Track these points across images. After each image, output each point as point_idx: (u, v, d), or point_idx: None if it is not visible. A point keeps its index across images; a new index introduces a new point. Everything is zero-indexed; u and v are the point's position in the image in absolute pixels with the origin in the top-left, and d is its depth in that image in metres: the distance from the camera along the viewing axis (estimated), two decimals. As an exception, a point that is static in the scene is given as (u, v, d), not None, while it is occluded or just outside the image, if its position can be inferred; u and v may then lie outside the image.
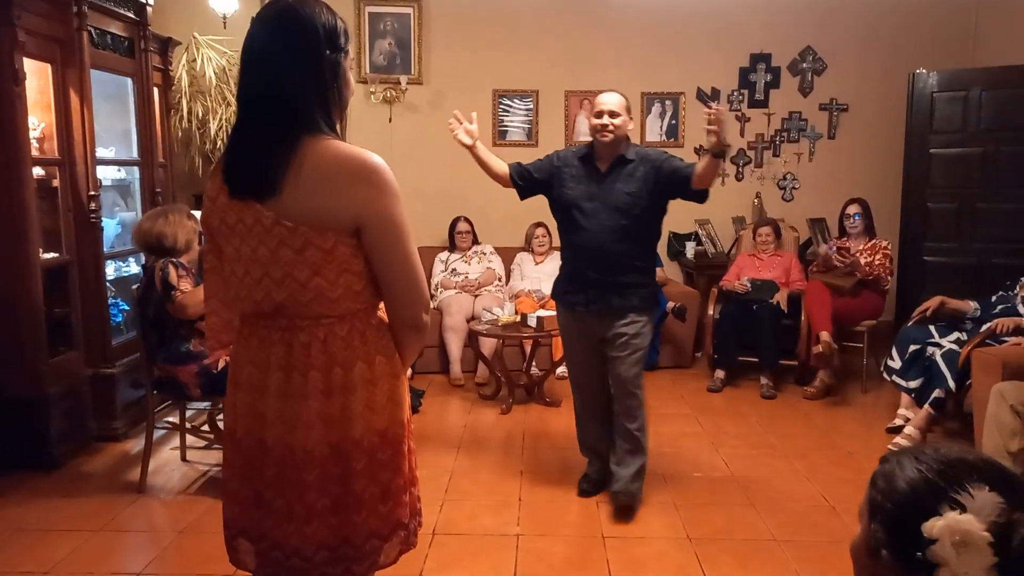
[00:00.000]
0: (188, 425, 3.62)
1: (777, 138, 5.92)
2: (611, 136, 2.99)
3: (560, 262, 5.55)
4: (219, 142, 5.11)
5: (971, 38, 5.75)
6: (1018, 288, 3.97)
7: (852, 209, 4.91)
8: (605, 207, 3.01)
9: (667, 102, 5.86)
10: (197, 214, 3.45)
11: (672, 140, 5.88)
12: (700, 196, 3.00)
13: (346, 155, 1.39)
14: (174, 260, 3.23)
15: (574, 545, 2.83)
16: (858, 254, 4.77)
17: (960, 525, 0.85)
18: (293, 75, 1.39)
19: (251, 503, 1.49)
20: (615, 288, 3.03)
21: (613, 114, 3.00)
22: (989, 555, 0.84)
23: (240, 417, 1.49)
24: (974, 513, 0.86)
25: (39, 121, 3.61)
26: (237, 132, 1.46)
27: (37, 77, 3.54)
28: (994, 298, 4.02)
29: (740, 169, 5.95)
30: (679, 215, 5.87)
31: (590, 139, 3.11)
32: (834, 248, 4.83)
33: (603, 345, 3.10)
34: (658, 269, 5.38)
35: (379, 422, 1.48)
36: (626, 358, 3.04)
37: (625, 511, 3.06)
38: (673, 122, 5.87)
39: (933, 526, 0.87)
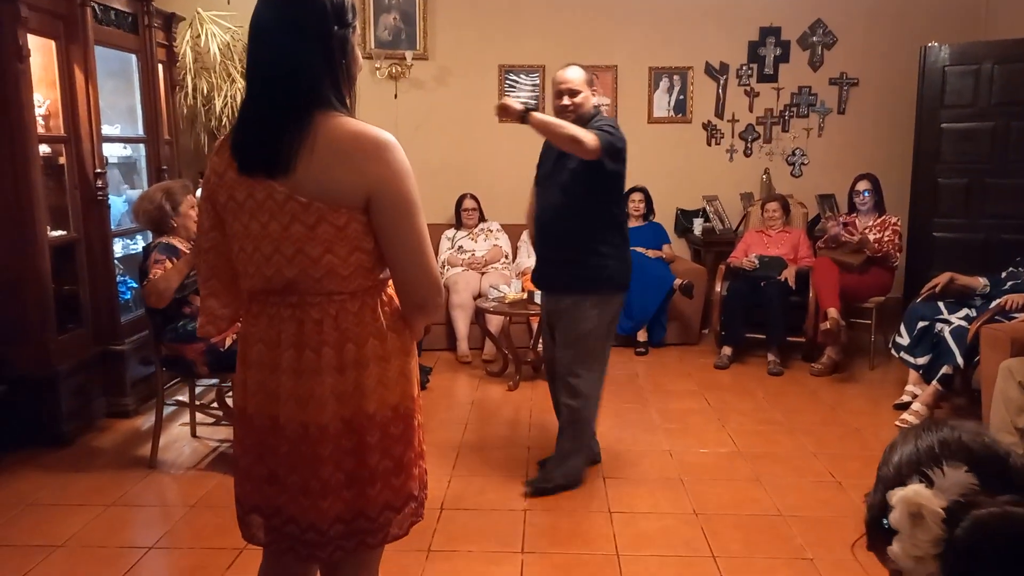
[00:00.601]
0: (197, 402, 3.65)
1: (786, 113, 5.86)
2: (572, 116, 2.90)
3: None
4: (224, 119, 5.09)
5: (983, 11, 5.67)
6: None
7: (862, 185, 4.87)
8: (553, 185, 2.96)
9: (675, 77, 5.80)
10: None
11: (680, 115, 5.83)
12: (591, 163, 2.81)
13: (359, 132, 1.39)
14: (163, 242, 3.23)
15: (581, 520, 2.85)
16: (867, 230, 4.75)
17: (916, 497, 0.86)
18: (303, 52, 1.39)
19: (264, 479, 1.51)
20: (556, 265, 3.01)
21: (573, 92, 2.91)
22: (939, 530, 0.84)
23: (251, 395, 1.50)
24: (939, 489, 0.86)
25: (44, 98, 3.60)
26: (247, 109, 1.45)
27: (41, 54, 3.52)
28: (1004, 274, 3.99)
29: (749, 145, 5.90)
30: (687, 191, 5.87)
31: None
32: (842, 224, 4.81)
33: (549, 331, 3.11)
34: (665, 246, 5.46)
35: (392, 397, 1.49)
36: (562, 338, 3.01)
37: (534, 492, 3.03)
38: (681, 97, 5.82)
39: (894, 494, 0.88)
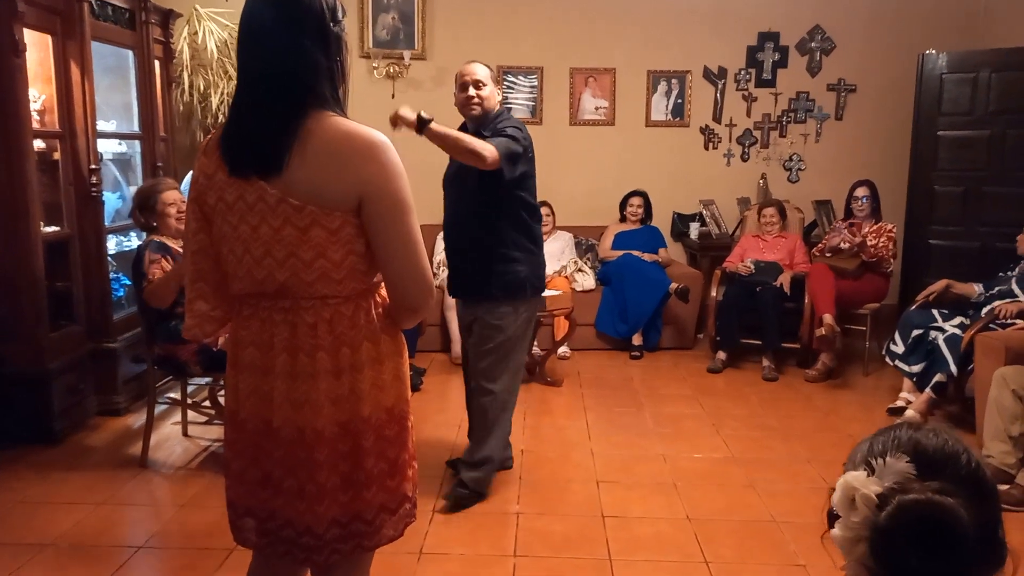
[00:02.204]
0: (189, 401, 3.63)
1: (784, 118, 5.86)
2: (479, 109, 2.83)
3: (560, 242, 5.55)
4: (220, 116, 5.07)
5: (981, 19, 5.68)
6: (1017, 269, 3.95)
7: (860, 192, 4.88)
8: (464, 186, 2.86)
9: (673, 80, 5.80)
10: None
11: (678, 119, 5.83)
12: (494, 173, 2.72)
13: (352, 132, 1.38)
14: (155, 240, 3.22)
15: (574, 524, 2.84)
16: (864, 237, 4.76)
17: (852, 481, 0.90)
18: (303, 49, 1.38)
19: (258, 483, 1.50)
20: (474, 274, 2.90)
21: (479, 84, 2.82)
22: (868, 513, 0.88)
23: (244, 398, 1.49)
24: (878, 476, 0.90)
25: (40, 93, 3.58)
26: (241, 107, 1.43)
27: (37, 49, 3.50)
28: (995, 280, 4.01)
29: (746, 149, 5.90)
30: (684, 195, 5.87)
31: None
32: (848, 225, 4.82)
33: (467, 333, 3.03)
34: (661, 250, 5.46)
35: (386, 400, 1.49)
36: (479, 347, 2.93)
37: (451, 507, 2.91)
38: (679, 101, 5.81)
39: (838, 481, 0.92)
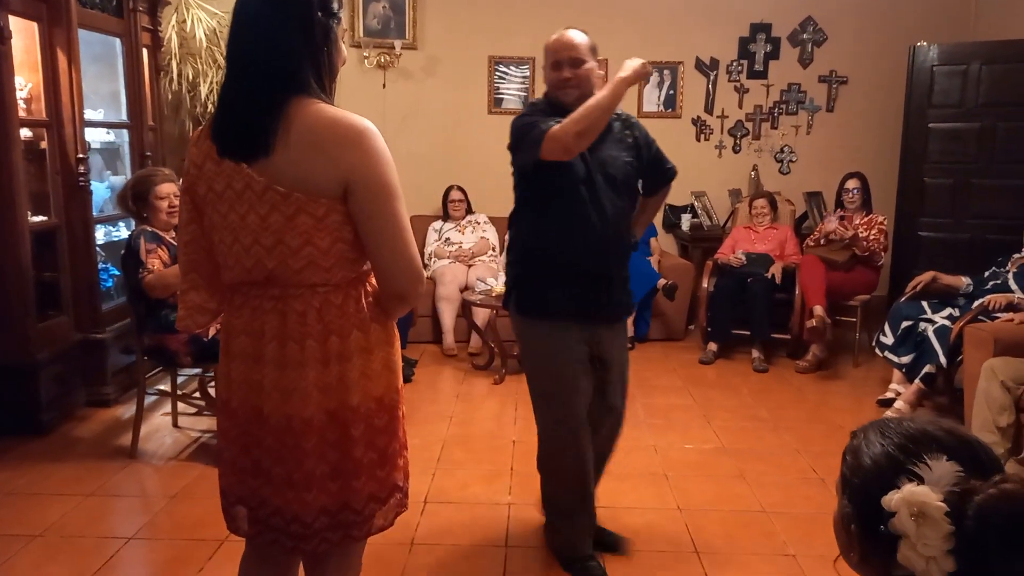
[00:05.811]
0: (179, 392, 3.61)
1: (775, 110, 5.86)
2: (576, 93, 2.24)
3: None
4: (209, 105, 5.03)
5: (972, 11, 5.69)
6: (1009, 264, 3.97)
7: (851, 184, 4.89)
8: (609, 181, 2.31)
9: (665, 71, 5.79)
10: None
11: (670, 110, 5.82)
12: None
13: (336, 118, 1.38)
14: (147, 230, 3.19)
15: (565, 515, 2.84)
16: (855, 230, 4.77)
17: (916, 497, 0.86)
18: (286, 35, 1.38)
19: (249, 471, 1.50)
20: (623, 284, 2.43)
21: (576, 61, 2.24)
22: (946, 525, 0.85)
23: (235, 387, 1.48)
24: (931, 484, 0.87)
25: (26, 81, 3.54)
26: (227, 92, 1.43)
27: (23, 36, 3.46)
28: (986, 274, 4.02)
29: (737, 141, 5.90)
30: (676, 186, 5.77)
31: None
32: (839, 218, 4.84)
33: (600, 363, 2.46)
34: (652, 240, 5.46)
35: (376, 389, 1.49)
36: (622, 372, 2.53)
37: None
38: (671, 92, 5.81)
39: (891, 499, 0.88)
